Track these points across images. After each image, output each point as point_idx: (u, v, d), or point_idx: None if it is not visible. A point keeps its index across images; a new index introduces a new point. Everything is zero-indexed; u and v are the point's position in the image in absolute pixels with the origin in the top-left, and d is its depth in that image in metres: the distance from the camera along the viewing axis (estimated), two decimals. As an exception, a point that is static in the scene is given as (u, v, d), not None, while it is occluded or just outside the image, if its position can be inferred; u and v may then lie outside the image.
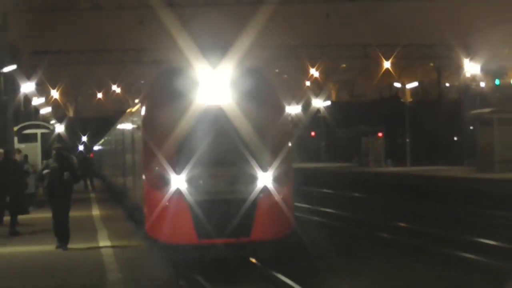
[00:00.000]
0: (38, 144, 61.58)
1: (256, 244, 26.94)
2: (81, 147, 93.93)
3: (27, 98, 78.37)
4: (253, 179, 27.09)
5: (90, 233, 34.48)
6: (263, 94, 28.35)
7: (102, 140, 74.96)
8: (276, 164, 26.88)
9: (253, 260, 29.24)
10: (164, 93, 28.67)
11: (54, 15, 71.68)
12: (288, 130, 30.27)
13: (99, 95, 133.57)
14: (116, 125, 57.95)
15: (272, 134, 27.64)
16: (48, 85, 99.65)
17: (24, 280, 22.52)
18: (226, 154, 27.30)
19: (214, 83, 27.10)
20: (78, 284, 22.16)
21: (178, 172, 26.62)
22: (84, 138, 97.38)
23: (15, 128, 63.95)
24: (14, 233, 34.93)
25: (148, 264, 25.61)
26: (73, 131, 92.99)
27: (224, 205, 26.62)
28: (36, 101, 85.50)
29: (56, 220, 30.96)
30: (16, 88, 69.33)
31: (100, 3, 70.71)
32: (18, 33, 77.07)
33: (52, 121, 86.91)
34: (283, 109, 29.97)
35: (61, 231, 30.70)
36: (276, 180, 27.04)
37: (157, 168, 27.01)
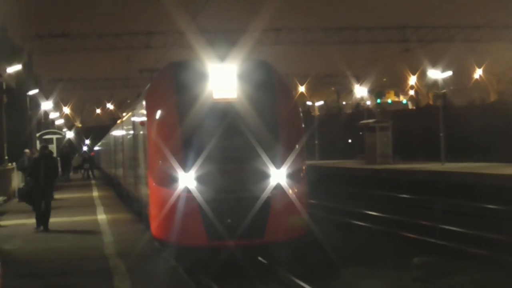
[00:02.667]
0: (54, 145, 61.81)
1: (270, 246, 20.00)
2: (85, 148, 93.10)
3: (46, 113, 77.86)
4: (267, 176, 20.01)
5: (91, 208, 33.93)
6: (274, 88, 21.62)
7: (100, 143, 74.00)
8: (290, 160, 20.11)
9: (264, 261, 21.69)
10: (171, 86, 21.43)
11: (67, 55, 70.53)
12: (301, 125, 22.37)
13: (98, 111, 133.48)
14: (113, 129, 52.18)
15: (285, 130, 20.88)
16: (61, 104, 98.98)
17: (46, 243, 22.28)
18: (238, 150, 20.26)
19: (223, 77, 20.60)
20: (84, 245, 21.96)
21: (186, 169, 19.59)
22: (87, 141, 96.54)
23: (38, 134, 64.01)
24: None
25: (133, 229, 25.68)
26: (79, 136, 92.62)
27: (236, 204, 19.57)
28: (52, 115, 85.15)
29: (38, 208, 26.06)
30: (38, 106, 68.98)
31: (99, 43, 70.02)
32: (39, 66, 76.56)
33: (64, 129, 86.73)
34: (295, 104, 22.88)
35: (42, 217, 25.86)
36: (291, 177, 20.20)
37: (164, 165, 19.99)
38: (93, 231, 24.86)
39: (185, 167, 19.57)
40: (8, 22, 62.50)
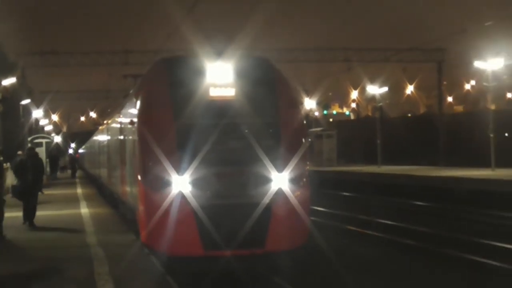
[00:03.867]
0: (43, 148, 61.09)
1: (270, 256, 16.20)
2: (70, 151, 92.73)
3: (37, 120, 77.68)
4: (268, 180, 16.14)
5: (75, 203, 33.65)
6: (275, 86, 17.64)
7: (84, 146, 73.48)
8: (292, 163, 16.28)
9: (263, 272, 17.38)
10: (164, 83, 17.19)
11: (56, 69, 70.27)
12: (303, 126, 18.57)
13: (82, 118, 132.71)
14: (96, 133, 49.58)
15: (287, 131, 16.91)
16: (50, 112, 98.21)
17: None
18: (236, 152, 16.49)
19: (220, 73, 16.79)
20: (68, 235, 21.80)
21: (181, 172, 15.74)
22: (73, 145, 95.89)
23: (29, 138, 63.56)
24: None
25: (111, 220, 25.63)
26: (66, 140, 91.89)
27: (234, 210, 15.71)
28: (42, 121, 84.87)
29: (27, 205, 24.38)
30: (30, 114, 68.68)
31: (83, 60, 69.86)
32: (31, 79, 76.12)
33: (52, 134, 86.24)
34: (296, 103, 18.98)
35: (30, 213, 24.19)
36: (293, 181, 16.31)
37: (156, 166, 16.00)
38: (76, 223, 24.54)
39: (179, 169, 15.69)
40: (4, 40, 62.17)
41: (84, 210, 30.44)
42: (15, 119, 58.14)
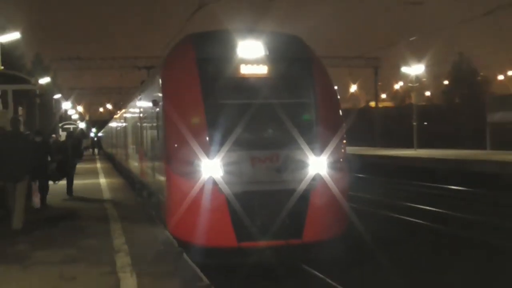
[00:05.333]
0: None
1: (308, 247, 12.46)
2: (92, 134, 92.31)
3: (66, 110, 77.43)
4: (305, 165, 12.51)
5: (95, 174, 33.56)
6: (311, 64, 13.60)
7: (102, 130, 72.81)
8: (331, 146, 12.56)
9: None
10: (191, 59, 13.18)
11: (80, 71, 69.88)
12: (340, 107, 14.25)
13: (101, 109, 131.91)
14: (112, 120, 47.03)
15: (325, 111, 13.10)
16: (76, 104, 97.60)
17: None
18: (271, 134, 12.99)
19: (251, 49, 12.97)
20: (91, 198, 21.50)
21: (211, 156, 12.15)
22: (93, 130, 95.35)
23: (60, 125, 63.33)
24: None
25: (122, 187, 25.62)
26: (88, 126, 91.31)
27: (270, 198, 12.23)
28: (70, 111, 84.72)
29: (67, 178, 21.74)
30: (60, 105, 68.68)
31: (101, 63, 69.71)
32: (61, 78, 75.70)
33: (78, 121, 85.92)
34: (332, 84, 14.38)
35: (69, 184, 21.86)
36: (332, 166, 12.61)
37: (185, 150, 12.30)
38: (97, 190, 24.44)
39: (210, 153, 11.86)
40: (40, 48, 62.02)
41: (102, 180, 30.24)
42: (49, 110, 58.13)
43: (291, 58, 13.28)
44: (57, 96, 64.34)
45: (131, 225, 15.07)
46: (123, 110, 31.24)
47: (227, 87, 12.67)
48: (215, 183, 11.68)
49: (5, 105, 19.28)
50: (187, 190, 11.81)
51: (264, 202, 11.85)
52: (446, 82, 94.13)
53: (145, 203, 18.68)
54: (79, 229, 14.55)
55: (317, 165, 12.20)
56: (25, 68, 49.59)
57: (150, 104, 15.30)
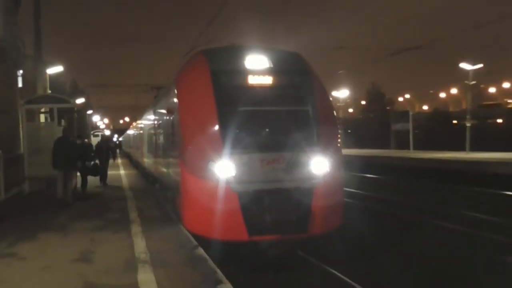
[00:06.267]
0: (99, 138, 60.17)
1: (311, 239, 10.65)
2: (114, 139, 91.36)
3: (95, 122, 76.80)
4: (310, 165, 10.61)
5: (117, 168, 33.10)
6: (309, 75, 11.63)
7: (122, 136, 71.78)
8: (331, 148, 10.91)
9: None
10: (205, 70, 11.20)
11: (107, 94, 69.44)
12: (334, 113, 12.20)
13: (121, 121, 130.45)
14: (130, 128, 44.45)
15: (324, 116, 11.28)
16: (103, 117, 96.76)
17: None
18: (277, 138, 10.76)
19: (257, 62, 11.25)
20: (115, 185, 21.17)
21: (224, 157, 10.13)
22: (116, 136, 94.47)
23: (91, 132, 62.51)
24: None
25: (136, 177, 25.48)
26: (112, 133, 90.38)
27: (278, 195, 10.26)
28: (99, 123, 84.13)
29: (102, 173, 20.76)
30: (91, 118, 68.28)
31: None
32: (92, 98, 74.73)
33: (105, 130, 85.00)
34: (327, 93, 12.29)
35: (104, 176, 21.07)
36: (332, 165, 10.75)
37: (200, 152, 10.29)
38: (118, 179, 24.25)
39: (223, 155, 9.88)
40: (76, 76, 61.24)
41: (122, 171, 29.93)
42: (83, 122, 57.52)
43: (292, 71, 11.35)
44: (89, 111, 63.99)
45: (141, 203, 14.95)
46: (138, 121, 30.15)
47: (237, 96, 10.57)
48: (228, 182, 9.72)
49: (52, 118, 19.35)
50: (202, 189, 9.87)
51: (273, 199, 9.84)
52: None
53: (153, 190, 18.33)
54: (105, 207, 14.43)
55: (319, 165, 10.32)
56: (66, 92, 49.03)
57: (164, 112, 13.22)
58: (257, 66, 10.93)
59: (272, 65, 11.05)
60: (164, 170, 14.08)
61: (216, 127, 10.00)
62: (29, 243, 9.45)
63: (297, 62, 11.62)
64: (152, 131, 18.13)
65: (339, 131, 11.44)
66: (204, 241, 9.33)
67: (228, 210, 9.60)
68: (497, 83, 77.86)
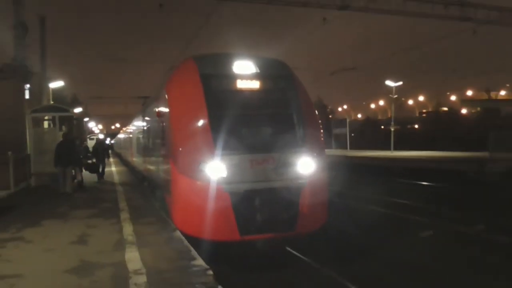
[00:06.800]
0: (94, 141, 58.94)
1: (299, 237, 8.86)
2: (107, 141, 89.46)
3: (91, 128, 75.16)
4: (297, 165, 8.86)
5: (109, 165, 32.45)
6: (293, 80, 9.96)
7: (114, 139, 70.41)
8: (316, 148, 9.19)
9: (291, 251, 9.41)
10: (195, 75, 9.25)
11: (101, 105, 67.97)
12: (317, 115, 10.06)
13: (113, 127, 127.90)
14: (120, 133, 43.09)
15: (309, 118, 9.52)
16: (98, 123, 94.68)
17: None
18: (266, 139, 9.06)
19: (245, 67, 9.56)
20: (108, 181, 20.58)
21: (215, 158, 8.31)
22: (109, 139, 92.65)
23: (87, 136, 61.09)
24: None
25: (126, 172, 25.09)
26: (105, 136, 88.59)
27: (267, 195, 8.44)
28: (94, 128, 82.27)
29: (98, 171, 20.12)
30: (88, 125, 66.79)
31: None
32: (90, 108, 73.23)
33: (99, 134, 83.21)
34: (309, 97, 10.24)
35: (101, 174, 20.37)
36: (318, 165, 9.01)
37: (191, 153, 8.47)
38: (111, 174, 23.79)
39: (214, 156, 8.43)
40: (75, 89, 59.76)
41: (113, 168, 29.35)
42: (81, 127, 56.23)
43: (278, 76, 9.78)
44: (86, 119, 62.44)
45: (130, 195, 14.74)
46: (129, 125, 29.23)
47: (227, 99, 9.05)
48: (219, 183, 8.19)
49: (54, 125, 19.22)
50: (194, 189, 8.29)
51: (263, 199, 8.38)
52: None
53: (140, 184, 17.88)
54: (99, 198, 14.15)
55: (306, 165, 8.84)
56: (67, 102, 47.92)
57: (154, 115, 11.43)
58: (246, 71, 9.48)
59: (259, 71, 9.58)
60: (154, 169, 12.28)
61: (207, 129, 8.51)
62: (34, 229, 9.23)
63: (282, 68, 10.11)
64: (142, 134, 16.26)
65: (322, 132, 9.72)
66: (195, 241, 7.83)
67: (220, 210, 8.14)
68: (415, 96, 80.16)
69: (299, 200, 8.57)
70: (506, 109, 29.17)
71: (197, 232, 8.20)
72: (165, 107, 9.76)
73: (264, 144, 8.83)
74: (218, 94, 9.06)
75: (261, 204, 8.36)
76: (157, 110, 11.00)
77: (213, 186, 8.19)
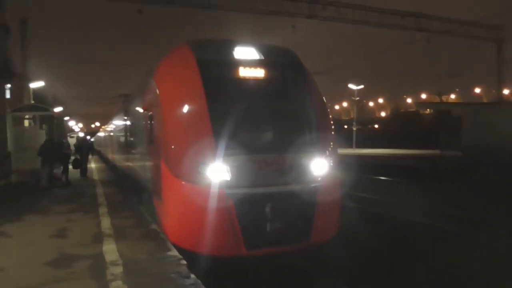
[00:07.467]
0: (74, 139, 57.53)
1: (313, 248, 6.52)
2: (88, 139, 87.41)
3: (71, 126, 73.38)
4: (311, 166, 6.71)
5: (90, 163, 32.13)
6: (303, 70, 7.49)
7: (94, 137, 68.93)
8: (329, 147, 6.97)
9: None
10: (192, 62, 6.70)
11: (83, 104, 66.42)
12: (328, 110, 7.50)
13: (93, 125, 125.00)
14: (101, 130, 40.75)
15: (322, 114, 7.20)
16: (78, 122, 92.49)
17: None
18: (275, 137, 6.68)
19: (247, 54, 7.14)
20: (89, 175, 20.03)
21: (217, 159, 6.07)
22: (89, 137, 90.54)
23: (68, 134, 59.66)
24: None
25: (105, 169, 24.62)
26: (85, 135, 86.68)
27: (280, 200, 6.20)
28: (74, 127, 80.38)
29: (82, 167, 19.35)
30: (68, 123, 65.15)
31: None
32: (71, 108, 71.47)
33: (79, 133, 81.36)
34: (318, 90, 7.54)
35: (84, 171, 19.43)
36: (332, 168, 6.86)
37: (188, 152, 6.09)
38: (90, 171, 23.23)
39: (216, 156, 6.34)
40: (57, 89, 58.01)
41: (93, 165, 28.71)
42: (61, 126, 54.85)
43: (287, 64, 7.70)
44: (67, 118, 61.01)
45: (108, 189, 14.51)
46: (109, 123, 27.60)
47: (229, 89, 7.06)
48: (222, 187, 6.33)
49: (35, 123, 18.78)
50: (192, 195, 6.31)
51: (274, 205, 6.48)
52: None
53: (119, 180, 17.43)
54: (79, 193, 13.85)
55: (320, 166, 7.04)
56: (47, 101, 46.54)
57: (139, 109, 9.51)
58: (250, 57, 7.42)
59: (266, 57, 7.55)
60: (139, 170, 10.15)
61: (207, 125, 6.51)
62: (15, 224, 8.95)
63: (291, 56, 8.00)
64: (125, 130, 14.00)
65: (334, 130, 7.77)
66: (191, 257, 6.10)
67: (223, 220, 6.25)
68: (375, 98, 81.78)
69: (315, 205, 6.74)
70: (456, 111, 30.28)
71: (195, 246, 6.30)
72: (154, 98, 7.64)
73: (274, 142, 6.88)
74: (219, 84, 7.00)
75: (271, 211, 6.45)
76: (143, 103, 9.02)
77: (214, 192, 6.27)
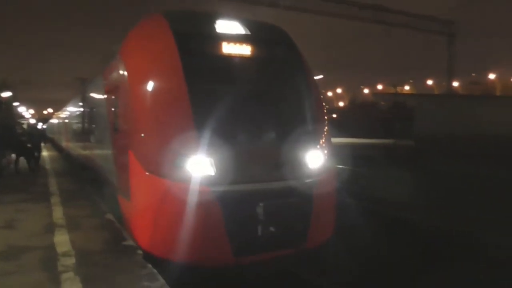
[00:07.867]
0: (25, 126, 54.86)
1: (310, 252, 5.36)
2: (39, 126, 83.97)
3: (21, 113, 69.97)
4: (306, 159, 5.54)
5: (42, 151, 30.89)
6: (297, 51, 6.20)
7: (46, 124, 65.71)
8: (324, 138, 5.78)
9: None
10: (168, 34, 5.22)
11: (34, 89, 63.23)
12: (322, 98, 6.13)
13: (45, 112, 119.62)
14: (53, 117, 38.28)
15: (315, 98, 5.96)
16: (29, 108, 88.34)
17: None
18: (267, 125, 5.42)
19: (231, 29, 5.76)
20: (41, 163, 19.61)
21: (200, 150, 4.77)
22: (40, 124, 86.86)
23: (18, 120, 56.88)
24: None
25: (58, 157, 23.76)
26: (37, 121, 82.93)
27: (272, 199, 4.97)
28: (25, 113, 76.73)
29: (33, 156, 16.98)
30: (17, 109, 62.04)
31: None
32: (22, 96, 67.95)
33: (30, 119, 77.70)
34: (312, 73, 6.33)
35: (37, 161, 17.02)
36: (328, 160, 5.73)
37: (163, 143, 4.73)
38: (42, 159, 22.31)
39: (198, 147, 5.03)
40: (6, 73, 54.83)
41: (45, 153, 27.47)
42: (10, 112, 52.19)
43: (278, 42, 6.55)
44: (16, 103, 58.03)
45: (60, 178, 14.03)
46: (64, 109, 25.59)
47: (213, 68, 5.85)
48: (205, 184, 5.22)
49: None
50: (168, 193, 5.15)
51: (265, 205, 5.41)
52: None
53: (72, 169, 16.81)
54: (31, 182, 13.28)
55: (315, 160, 6.03)
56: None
57: (100, 91, 8.15)
58: (236, 32, 6.23)
59: (255, 33, 6.35)
60: (99, 160, 8.80)
61: (187, 109, 5.32)
62: (-42, 215, 8.48)
63: (282, 33, 6.80)
64: (82, 116, 12.60)
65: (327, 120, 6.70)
66: (168, 268, 5.10)
67: (206, 222, 5.16)
68: (333, 89, 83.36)
69: (311, 204, 5.78)
70: (410, 102, 31.56)
71: (172, 255, 5.16)
72: (121, 77, 6.32)
73: (265, 132, 5.84)
74: (200, 60, 5.78)
75: (263, 211, 5.40)
76: (106, 83, 7.54)
77: (196, 188, 5.16)
